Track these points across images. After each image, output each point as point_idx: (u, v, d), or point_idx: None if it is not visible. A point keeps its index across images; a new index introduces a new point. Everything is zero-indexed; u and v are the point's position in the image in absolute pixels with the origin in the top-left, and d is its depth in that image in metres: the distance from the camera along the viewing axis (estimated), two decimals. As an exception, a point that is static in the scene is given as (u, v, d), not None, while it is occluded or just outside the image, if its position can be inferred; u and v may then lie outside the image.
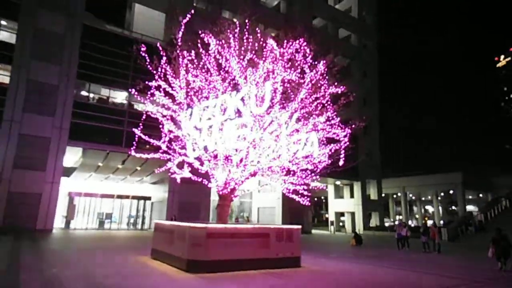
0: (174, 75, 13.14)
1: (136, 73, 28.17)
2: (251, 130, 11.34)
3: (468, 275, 11.04)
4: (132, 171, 26.51)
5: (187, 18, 12.90)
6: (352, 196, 43.04)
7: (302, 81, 11.44)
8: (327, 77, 11.32)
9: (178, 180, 14.32)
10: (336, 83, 11.30)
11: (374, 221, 42.70)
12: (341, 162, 11.99)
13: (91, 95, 27.37)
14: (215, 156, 12.22)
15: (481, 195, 50.37)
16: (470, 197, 49.74)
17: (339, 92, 11.33)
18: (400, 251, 18.32)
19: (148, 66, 13.49)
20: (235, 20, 36.96)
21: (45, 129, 24.31)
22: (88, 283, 7.91)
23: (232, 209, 40.40)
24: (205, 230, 9.65)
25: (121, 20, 32.72)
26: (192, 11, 13.48)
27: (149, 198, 30.58)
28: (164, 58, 13.32)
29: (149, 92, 13.81)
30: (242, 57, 12.21)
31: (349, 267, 11.80)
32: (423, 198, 57.26)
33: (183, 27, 13.04)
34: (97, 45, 27.08)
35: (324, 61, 10.94)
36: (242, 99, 11.46)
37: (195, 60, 12.75)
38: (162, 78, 13.32)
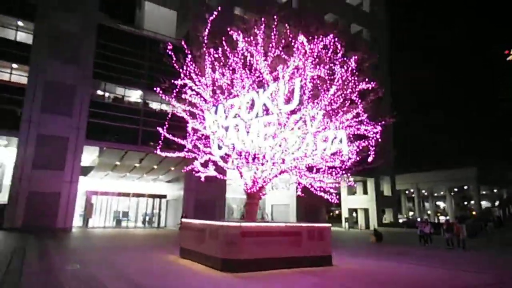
0: (200, 73, 13.03)
1: (150, 71, 28.32)
2: (279, 128, 11.23)
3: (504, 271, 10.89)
4: (149, 169, 26.61)
5: (214, 16, 12.68)
6: (365, 192, 42.79)
7: (331, 77, 11.31)
8: (356, 73, 11.16)
9: (203, 179, 14.29)
10: (366, 79, 11.13)
11: (388, 218, 42.44)
12: (370, 159, 11.87)
13: (107, 94, 27.47)
14: (242, 154, 12.15)
15: (495, 190, 49.78)
16: (484, 192, 49.15)
17: (370, 88, 11.17)
18: (424, 248, 18.14)
19: (175, 65, 13.26)
20: (246, 16, 36.82)
21: (63, 129, 24.48)
22: (128, 283, 7.90)
23: (241, 205, 40.49)
24: (240, 228, 9.60)
25: (132, 19, 32.74)
26: (219, 8, 13.22)
27: (164, 196, 30.70)
28: (189, 56, 13.21)
29: (174, 91, 13.70)
30: (269, 54, 12.10)
31: (381, 265, 11.68)
32: (435, 194, 56.79)
33: (209, 24, 12.85)
34: (112, 44, 27.18)
35: (355, 57, 10.78)
36: (270, 97, 11.38)
37: (221, 58, 12.64)
38: (188, 77, 13.19)
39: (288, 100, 11.21)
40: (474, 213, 56.28)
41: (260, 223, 11.00)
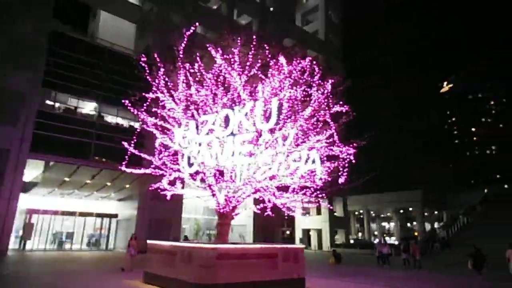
0: (172, 88, 12.55)
1: (106, 83, 26.99)
2: (256, 146, 11.05)
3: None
4: (101, 186, 24.84)
5: (191, 31, 12.43)
6: (319, 213, 43.58)
7: (307, 99, 11.45)
8: (331, 96, 11.40)
9: (168, 197, 13.57)
10: (340, 102, 11.40)
11: (340, 238, 43.43)
12: (341, 180, 12.01)
13: (57, 105, 25.54)
14: (219, 172, 11.74)
15: (435, 212, 53.34)
16: (426, 214, 52.37)
17: (343, 111, 11.45)
18: (383, 269, 18.61)
19: (147, 78, 12.68)
20: (207, 35, 36.84)
21: (4, 140, 22.19)
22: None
23: (200, 226, 39.16)
24: (216, 251, 9.09)
25: (85, 27, 31.10)
26: (197, 24, 12.99)
27: (115, 216, 28.71)
28: (161, 69, 12.72)
29: (144, 105, 13.03)
30: (245, 71, 12.01)
31: (350, 287, 11.70)
32: (381, 215, 59.47)
33: (185, 39, 12.54)
34: (66, 52, 25.52)
35: (332, 81, 11.02)
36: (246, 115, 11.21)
37: (196, 74, 12.31)
38: (160, 90, 12.64)
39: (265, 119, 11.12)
40: (416, 233, 59.86)
41: (235, 245, 10.54)
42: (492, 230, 27.11)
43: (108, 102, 27.26)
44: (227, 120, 11.60)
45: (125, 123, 28.30)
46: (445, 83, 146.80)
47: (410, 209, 51.17)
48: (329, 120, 11.46)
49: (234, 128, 11.16)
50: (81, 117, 25.81)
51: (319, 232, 43.18)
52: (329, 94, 11.16)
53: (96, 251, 27.00)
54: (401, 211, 52.94)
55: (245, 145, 11.24)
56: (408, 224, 61.87)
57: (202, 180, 12.39)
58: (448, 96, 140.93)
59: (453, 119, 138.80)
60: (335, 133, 11.57)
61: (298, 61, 11.07)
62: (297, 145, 11.94)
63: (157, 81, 12.77)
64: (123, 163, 12.89)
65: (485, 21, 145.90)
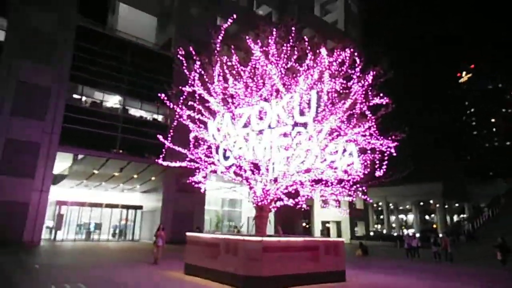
0: (209, 81, 12.57)
1: (130, 76, 27.25)
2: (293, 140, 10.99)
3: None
4: (128, 178, 25.27)
5: (228, 23, 12.40)
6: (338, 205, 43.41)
7: (345, 91, 11.34)
8: (371, 88, 11.25)
9: (202, 190, 13.68)
10: (381, 94, 11.25)
11: (360, 230, 43.29)
12: (378, 173, 11.89)
13: (84, 99, 25.95)
14: (254, 165, 11.77)
15: (456, 204, 52.53)
16: (446, 206, 51.68)
17: (383, 103, 11.30)
18: (412, 261, 18.49)
19: (185, 71, 12.71)
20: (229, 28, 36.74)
21: (34, 134, 22.69)
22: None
23: (220, 218, 39.56)
24: (261, 243, 9.17)
25: (104, 22, 31.29)
26: (234, 16, 12.94)
27: (140, 207, 29.23)
28: (197, 62, 12.74)
29: (181, 98, 13.10)
30: (283, 64, 11.96)
31: (392, 280, 11.65)
32: (400, 208, 58.91)
33: (222, 32, 12.51)
34: (91, 47, 25.84)
35: (373, 72, 10.86)
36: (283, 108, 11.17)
37: (234, 66, 12.30)
38: (196, 84, 12.67)
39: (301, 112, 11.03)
40: (434, 226, 59.17)
41: (279, 237, 10.59)
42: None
43: (132, 95, 27.60)
44: (262, 112, 11.61)
45: (148, 116, 28.59)
46: (464, 72, 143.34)
47: (431, 201, 50.52)
48: (367, 113, 11.34)
49: (272, 121, 11.14)
50: (107, 110, 26.19)
51: (338, 224, 43.10)
52: (369, 86, 11.00)
53: (122, 241, 27.58)
54: (421, 203, 52.32)
55: (283, 138, 11.25)
56: (426, 217, 61.16)
57: (236, 174, 12.46)
58: (466, 87, 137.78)
59: (472, 110, 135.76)
60: (373, 126, 11.47)
61: (338, 52, 10.93)
62: (333, 138, 11.87)
63: (193, 74, 12.69)
64: (160, 156, 12.99)
65: (485, 17, 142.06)
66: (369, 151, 11.67)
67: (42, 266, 12.82)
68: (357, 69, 11.08)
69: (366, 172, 12.00)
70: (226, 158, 12.39)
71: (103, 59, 26.24)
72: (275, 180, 11.75)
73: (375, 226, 59.40)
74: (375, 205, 56.89)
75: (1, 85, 21.92)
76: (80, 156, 23.75)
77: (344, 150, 11.59)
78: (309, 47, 11.44)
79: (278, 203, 11.90)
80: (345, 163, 11.54)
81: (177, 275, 11.11)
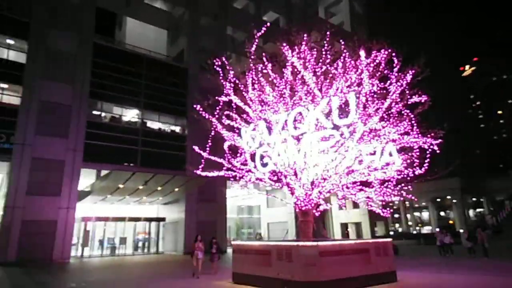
0: (244, 90, 12.68)
1: (147, 89, 27.48)
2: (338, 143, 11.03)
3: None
4: (151, 191, 25.38)
5: (262, 32, 12.56)
6: (355, 206, 43.22)
7: (382, 91, 11.40)
8: (407, 88, 11.29)
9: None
10: (419, 92, 11.29)
11: (379, 230, 42.98)
12: (419, 171, 11.84)
13: (103, 114, 26.20)
14: (294, 172, 11.79)
15: (473, 199, 52.08)
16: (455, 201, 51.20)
17: (422, 101, 11.33)
18: (447, 258, 18.34)
19: (221, 81, 12.82)
20: (235, 36, 36.78)
21: (58, 152, 22.92)
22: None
23: (238, 224, 39.56)
24: (317, 248, 9.18)
25: (112, 36, 31.28)
26: (268, 24, 13.09)
27: (163, 219, 29.28)
28: (231, 72, 12.87)
29: (217, 108, 13.22)
30: (318, 69, 12.06)
31: (440, 278, 11.58)
32: (416, 205, 58.50)
33: (256, 41, 12.65)
34: (108, 63, 26.13)
35: (413, 71, 10.91)
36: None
37: (270, 73, 12.41)
38: (230, 93, 12.79)
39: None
40: (451, 222, 58.71)
41: (333, 241, 10.58)
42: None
43: (150, 108, 27.80)
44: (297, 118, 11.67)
45: (165, 127, 28.76)
46: (467, 66, 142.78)
47: (448, 197, 50.11)
48: (405, 112, 11.37)
49: (310, 126, 11.19)
50: (127, 124, 26.41)
51: (357, 225, 42.85)
52: (407, 85, 11.05)
53: (146, 254, 27.59)
54: (438, 199, 51.92)
55: (322, 142, 11.30)
56: (442, 213, 60.65)
57: (276, 180, 12.50)
58: (470, 80, 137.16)
59: (478, 103, 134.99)
60: (413, 124, 11.48)
61: (375, 54, 11.00)
62: (371, 139, 11.86)
63: (227, 84, 12.81)
64: (200, 167, 13.06)
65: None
66: (411, 150, 11.63)
67: (91, 282, 12.86)
68: (395, 69, 11.12)
69: (409, 171, 11.97)
70: (263, 165, 12.46)
71: (120, 74, 26.49)
72: (314, 184, 11.76)
73: (392, 225, 58.97)
74: (390, 203, 56.53)
75: (24, 106, 22.22)
76: (103, 172, 23.87)
77: (383, 150, 11.63)
78: (344, 50, 11.50)
79: (322, 207, 11.91)
80: (385, 162, 11.58)
81: (225, 284, 11.11)
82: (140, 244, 29.01)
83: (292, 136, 11.54)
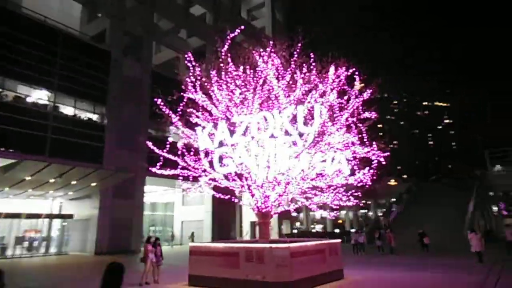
0: (207, 87, 12.34)
1: (62, 70, 24.30)
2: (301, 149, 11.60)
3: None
4: (64, 185, 22.39)
5: (236, 33, 12.40)
6: (265, 205, 45.23)
7: (341, 105, 12.37)
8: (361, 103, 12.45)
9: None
10: (372, 108, 12.54)
11: (285, 229, 45.74)
12: (361, 178, 13.15)
13: (4, 92, 22.16)
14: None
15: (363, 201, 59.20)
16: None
17: (372, 117, 12.63)
18: (360, 255, 20.64)
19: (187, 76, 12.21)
20: (159, 24, 35.15)
21: None
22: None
23: (149, 222, 37.64)
24: (289, 249, 9.57)
25: None
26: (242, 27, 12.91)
27: (70, 216, 26.15)
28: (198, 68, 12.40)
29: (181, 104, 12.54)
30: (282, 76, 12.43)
31: (380, 275, 13.00)
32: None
33: (229, 40, 12.43)
34: (11, 32, 22.07)
35: (370, 90, 12.07)
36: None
37: (236, 74, 12.32)
38: (190, 90, 12.32)
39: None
40: (340, 221, 65.93)
41: (301, 242, 11.01)
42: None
43: (64, 91, 24.57)
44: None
45: (82, 114, 25.81)
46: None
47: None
48: (358, 125, 12.54)
49: (275, 131, 11.55)
50: (35, 107, 22.85)
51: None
52: (364, 101, 12.20)
53: (47, 255, 24.46)
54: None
55: (287, 147, 11.79)
56: (331, 213, 67.33)
57: (235, 180, 12.52)
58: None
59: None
60: (363, 136, 12.71)
61: (344, 69, 11.87)
62: (320, 148, 12.71)
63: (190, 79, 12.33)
64: (158, 164, 12.27)
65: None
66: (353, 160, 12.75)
67: None
68: (356, 85, 12.17)
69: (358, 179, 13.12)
70: (221, 166, 12.34)
71: (29, 48, 22.68)
72: (274, 187, 12.15)
73: (297, 223, 63.15)
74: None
75: None
76: (2, 161, 20.26)
77: (333, 159, 12.63)
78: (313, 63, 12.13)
79: (280, 209, 12.35)
80: (334, 170, 12.60)
81: (179, 286, 10.73)
82: (35, 244, 25.44)
83: (256, 140, 11.73)
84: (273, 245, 9.79)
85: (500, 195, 46.97)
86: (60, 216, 26.19)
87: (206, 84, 12.45)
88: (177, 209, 38.00)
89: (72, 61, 24.88)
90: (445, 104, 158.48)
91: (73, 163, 21.05)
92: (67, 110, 25.08)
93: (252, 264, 9.76)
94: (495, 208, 42.54)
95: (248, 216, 45.95)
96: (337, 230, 48.80)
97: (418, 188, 45.80)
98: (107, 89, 26.39)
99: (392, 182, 69.02)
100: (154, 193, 34.62)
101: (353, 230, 28.66)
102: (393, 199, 42.01)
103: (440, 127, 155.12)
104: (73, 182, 21.78)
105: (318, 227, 65.09)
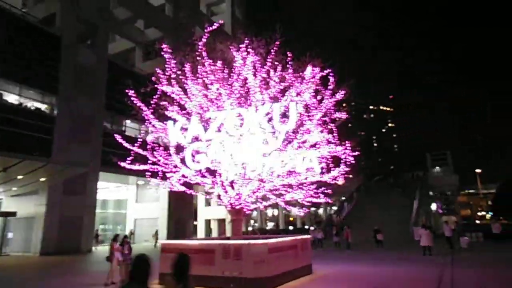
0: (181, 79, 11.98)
1: (5, 53, 22.21)
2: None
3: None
4: (7, 180, 20.41)
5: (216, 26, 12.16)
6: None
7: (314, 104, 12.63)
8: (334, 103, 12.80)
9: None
10: (344, 110, 12.97)
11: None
12: (340, 181, 13.57)
13: None
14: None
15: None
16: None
17: (343, 118, 13.07)
18: (318, 251, 21.30)
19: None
20: (115, 11, 33.67)
21: None
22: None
23: (100, 220, 35.68)
24: (267, 245, 9.62)
25: None
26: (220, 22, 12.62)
27: (12, 214, 23.92)
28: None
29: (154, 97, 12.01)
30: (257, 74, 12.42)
31: (346, 269, 13.49)
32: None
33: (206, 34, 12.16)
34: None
35: (343, 92, 12.42)
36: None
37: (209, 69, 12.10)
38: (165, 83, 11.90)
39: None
40: (291, 218, 67.64)
41: (278, 239, 11.03)
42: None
43: (7, 77, 22.46)
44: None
45: (29, 103, 23.79)
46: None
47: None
48: (330, 126, 12.89)
49: (250, 127, 11.54)
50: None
51: (220, 221, 44.52)
52: (337, 102, 12.57)
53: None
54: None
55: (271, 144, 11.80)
56: (284, 211, 69.13)
57: (208, 176, 12.31)
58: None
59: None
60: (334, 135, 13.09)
61: (319, 70, 12.12)
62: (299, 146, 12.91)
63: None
64: (127, 159, 11.67)
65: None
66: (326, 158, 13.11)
67: None
68: (330, 86, 12.48)
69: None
70: (194, 162, 12.07)
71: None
72: (246, 183, 12.13)
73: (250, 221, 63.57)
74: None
75: None
76: None
77: (304, 157, 12.88)
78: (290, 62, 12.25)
79: (252, 206, 12.35)
80: (305, 167, 12.87)
81: (153, 286, 10.31)
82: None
83: (232, 136, 11.63)
84: (252, 242, 9.77)
85: (438, 195, 51.36)
86: (0, 213, 23.90)
87: (180, 77, 12.09)
88: (130, 206, 36.45)
89: (17, 45, 22.80)
90: (388, 109, 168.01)
91: (19, 156, 19.34)
92: (11, 97, 23.00)
93: (228, 260, 9.66)
94: (433, 207, 46.34)
95: (204, 214, 45.49)
96: (291, 227, 49.96)
97: (366, 187, 48.29)
98: (58, 77, 24.54)
99: (340, 182, 72.08)
100: (105, 189, 32.95)
101: (312, 228, 29.49)
102: (343, 198, 43.79)
103: (384, 130, 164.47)
104: (19, 177, 20.00)
105: (270, 225, 66.15)
